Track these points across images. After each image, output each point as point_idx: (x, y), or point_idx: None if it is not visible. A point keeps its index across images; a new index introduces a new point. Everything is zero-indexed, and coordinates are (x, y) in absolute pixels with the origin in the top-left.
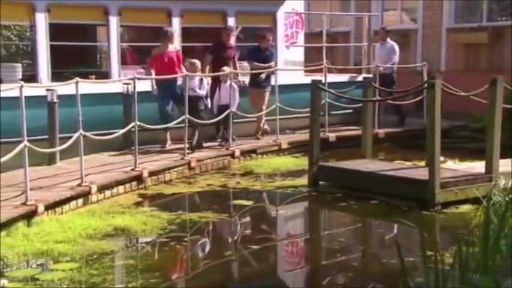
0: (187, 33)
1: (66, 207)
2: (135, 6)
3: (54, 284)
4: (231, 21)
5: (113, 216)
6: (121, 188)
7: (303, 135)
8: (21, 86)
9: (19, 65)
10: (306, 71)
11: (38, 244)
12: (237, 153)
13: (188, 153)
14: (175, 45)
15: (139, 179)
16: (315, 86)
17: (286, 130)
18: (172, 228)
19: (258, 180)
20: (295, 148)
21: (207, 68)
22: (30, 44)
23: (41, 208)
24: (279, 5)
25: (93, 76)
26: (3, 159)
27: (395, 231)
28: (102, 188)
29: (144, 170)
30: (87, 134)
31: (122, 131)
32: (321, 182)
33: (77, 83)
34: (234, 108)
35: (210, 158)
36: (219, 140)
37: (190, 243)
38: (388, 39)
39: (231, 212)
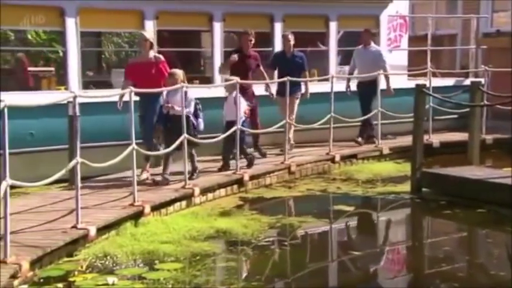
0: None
1: (170, 208)
2: (239, 12)
3: (160, 283)
4: (333, 26)
5: (215, 218)
6: (222, 191)
7: (406, 141)
8: (131, 92)
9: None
10: (409, 75)
11: (145, 244)
12: (337, 158)
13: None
14: (155, 54)
15: (240, 182)
16: (419, 90)
17: (388, 135)
18: (272, 232)
19: (358, 186)
20: (397, 154)
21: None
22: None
23: (147, 209)
24: (382, 8)
25: (197, 81)
26: (114, 161)
27: (505, 242)
28: (204, 191)
29: (245, 174)
30: (190, 137)
31: (224, 135)
32: (424, 189)
33: (182, 87)
34: (242, 120)
35: (310, 162)
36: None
37: (290, 247)
38: (372, 43)
39: (331, 217)
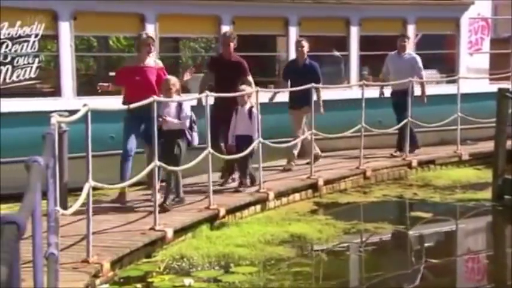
0: (365, 42)
1: (245, 212)
2: (315, 16)
3: (235, 286)
4: (410, 29)
5: (289, 223)
6: (297, 196)
7: (487, 146)
8: (206, 95)
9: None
10: (491, 79)
11: (220, 247)
12: (414, 164)
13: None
14: (156, 59)
15: (314, 187)
16: (502, 94)
17: (467, 141)
18: (347, 238)
19: (436, 192)
20: (477, 160)
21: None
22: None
23: (222, 212)
24: (463, 11)
25: (272, 85)
26: (190, 164)
27: None
28: (279, 195)
29: (320, 179)
30: (266, 141)
31: (298, 139)
32: (506, 196)
33: (257, 92)
34: (256, 140)
35: (386, 167)
36: (229, 181)
37: (365, 254)
38: (408, 50)
39: (408, 223)
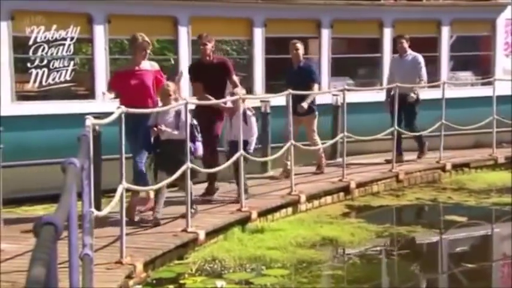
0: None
1: (276, 214)
2: (347, 18)
3: None
4: (445, 31)
5: (321, 225)
6: (329, 198)
7: None
8: (240, 98)
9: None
10: None
11: (252, 249)
12: (448, 167)
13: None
14: (151, 61)
15: (346, 189)
16: None
17: (503, 143)
18: (380, 241)
19: (471, 196)
20: None
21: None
22: (247, 57)
23: (254, 215)
24: (499, 12)
25: None
26: (221, 167)
27: None
28: (310, 198)
29: (352, 181)
30: (298, 144)
31: (330, 142)
32: None
33: (289, 94)
34: (252, 146)
35: (419, 171)
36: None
37: (398, 257)
38: (410, 51)
39: (442, 227)
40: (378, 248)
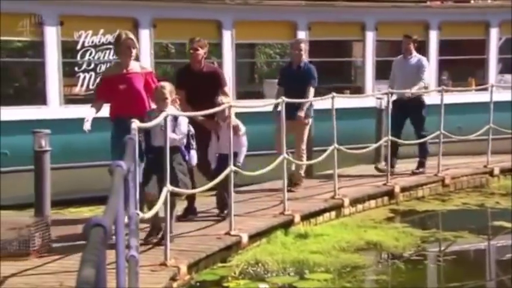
0: (445, 46)
1: (320, 218)
2: (392, 20)
3: None
4: (493, 32)
5: (364, 230)
6: (372, 202)
7: None
8: (284, 102)
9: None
10: None
11: (295, 253)
12: (497, 171)
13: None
14: (143, 64)
15: (390, 194)
16: None
17: None
18: (425, 246)
19: None
20: None
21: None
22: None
23: (297, 218)
24: None
25: (348, 91)
26: (265, 170)
27: None
28: (354, 202)
29: (396, 185)
30: (341, 147)
31: (374, 145)
32: None
33: (333, 97)
34: (242, 158)
35: (466, 175)
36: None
37: (445, 263)
38: (414, 52)
39: (490, 233)
40: (424, 253)
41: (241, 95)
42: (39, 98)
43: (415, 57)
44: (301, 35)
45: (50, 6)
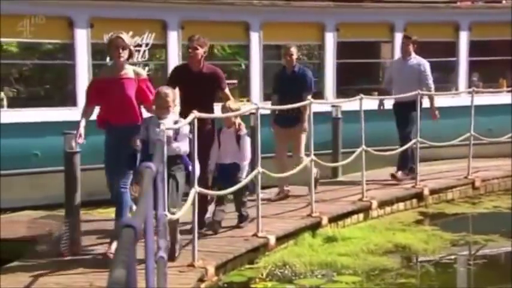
0: (475, 47)
1: (347, 220)
2: (422, 21)
3: None
4: None
5: (393, 232)
6: (401, 205)
7: None
8: (311, 103)
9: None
10: None
11: (322, 255)
12: None
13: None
14: (138, 69)
15: (419, 196)
16: None
17: None
18: (455, 249)
19: None
20: None
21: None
22: (318, 62)
23: (324, 220)
24: None
25: (376, 92)
26: (292, 172)
27: None
28: (382, 204)
29: (425, 188)
30: (369, 149)
31: (403, 148)
32: None
33: (361, 99)
34: (244, 173)
35: (497, 178)
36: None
37: (475, 267)
38: (413, 54)
39: None
40: (453, 257)
41: (268, 97)
42: (70, 99)
43: (415, 58)
44: (330, 36)
45: (80, 8)
